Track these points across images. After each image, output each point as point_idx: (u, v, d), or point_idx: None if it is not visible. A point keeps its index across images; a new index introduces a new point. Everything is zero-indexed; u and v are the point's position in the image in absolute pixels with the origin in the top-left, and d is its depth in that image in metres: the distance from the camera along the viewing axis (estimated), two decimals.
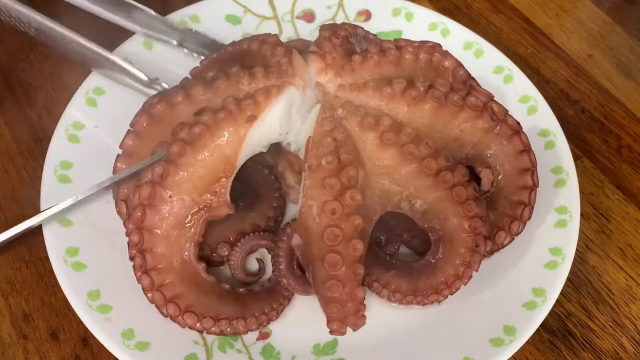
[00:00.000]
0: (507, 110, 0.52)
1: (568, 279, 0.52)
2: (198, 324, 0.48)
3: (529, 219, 0.53)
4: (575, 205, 0.55)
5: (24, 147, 0.63)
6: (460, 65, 0.55)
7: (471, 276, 0.50)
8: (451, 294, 0.50)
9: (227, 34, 0.65)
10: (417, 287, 0.51)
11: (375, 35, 0.58)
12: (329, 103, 0.52)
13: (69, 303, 0.49)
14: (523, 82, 0.64)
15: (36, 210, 0.52)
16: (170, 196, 0.48)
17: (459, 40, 0.67)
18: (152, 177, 0.48)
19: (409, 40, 0.55)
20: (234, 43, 0.57)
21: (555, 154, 0.59)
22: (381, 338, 0.51)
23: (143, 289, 0.48)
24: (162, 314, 0.48)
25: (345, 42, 0.55)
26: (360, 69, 0.53)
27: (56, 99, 0.66)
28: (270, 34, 0.56)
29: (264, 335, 0.51)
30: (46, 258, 0.51)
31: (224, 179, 0.50)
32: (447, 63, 0.54)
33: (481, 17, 0.78)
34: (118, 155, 0.53)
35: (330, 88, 0.52)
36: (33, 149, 0.63)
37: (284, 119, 0.51)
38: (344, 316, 0.47)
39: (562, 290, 0.51)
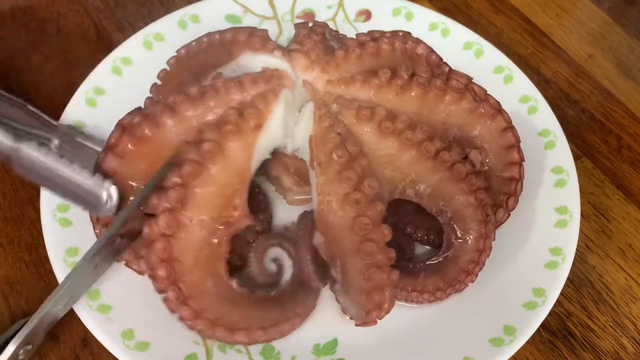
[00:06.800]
0: (486, 91, 0.53)
1: (568, 279, 0.52)
2: (248, 339, 0.47)
3: (520, 194, 0.54)
4: (575, 205, 0.55)
5: None
6: (432, 50, 0.56)
7: (491, 247, 0.51)
8: (481, 270, 0.51)
9: None
10: (450, 277, 0.51)
11: (345, 35, 0.60)
12: (321, 100, 0.52)
13: None
14: (523, 82, 0.64)
15: (36, 211, 0.52)
16: (191, 220, 0.46)
17: (459, 40, 0.67)
18: (169, 204, 0.46)
19: (381, 31, 0.56)
20: (208, 34, 0.56)
21: (556, 154, 0.59)
22: (381, 338, 0.51)
23: (183, 319, 0.46)
24: (208, 337, 0.47)
25: (324, 39, 0.55)
26: (344, 63, 0.53)
27: (56, 99, 0.66)
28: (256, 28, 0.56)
29: None
30: (46, 258, 0.51)
31: (240, 191, 0.49)
32: (419, 50, 0.56)
33: (481, 17, 0.78)
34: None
35: (319, 85, 0.53)
36: None
37: (284, 122, 0.51)
38: (383, 302, 0.46)
39: (562, 290, 0.51)
